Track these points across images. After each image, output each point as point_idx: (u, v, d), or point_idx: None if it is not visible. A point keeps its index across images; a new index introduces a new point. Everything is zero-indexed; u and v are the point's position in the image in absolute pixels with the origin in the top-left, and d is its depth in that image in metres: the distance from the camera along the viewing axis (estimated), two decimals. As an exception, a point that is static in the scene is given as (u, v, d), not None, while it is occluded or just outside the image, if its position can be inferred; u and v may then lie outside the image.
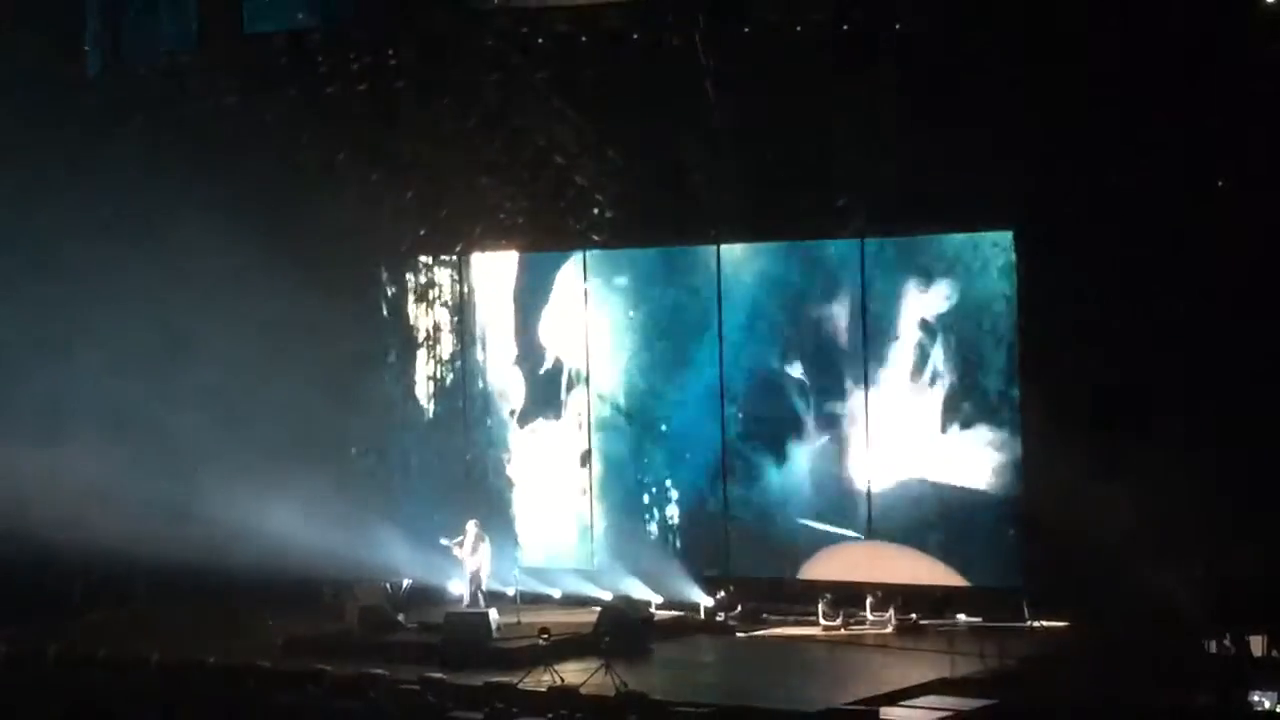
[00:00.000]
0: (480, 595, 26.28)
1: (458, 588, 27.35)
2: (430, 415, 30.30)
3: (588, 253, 28.56)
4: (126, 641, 25.28)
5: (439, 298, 30.18)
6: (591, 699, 21.40)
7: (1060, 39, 23.60)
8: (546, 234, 28.97)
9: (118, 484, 26.66)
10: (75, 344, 27.78)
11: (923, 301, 25.83)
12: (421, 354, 30.36)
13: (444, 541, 26.79)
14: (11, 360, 27.07)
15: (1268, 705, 20.78)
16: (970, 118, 24.12)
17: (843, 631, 26.05)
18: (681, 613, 27.18)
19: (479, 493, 29.28)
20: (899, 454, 26.02)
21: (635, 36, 26.55)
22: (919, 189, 25.02)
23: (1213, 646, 22.58)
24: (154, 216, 27.88)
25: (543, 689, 21.91)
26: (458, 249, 29.90)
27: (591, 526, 28.56)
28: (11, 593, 26.78)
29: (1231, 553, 22.70)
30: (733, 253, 27.34)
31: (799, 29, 25.54)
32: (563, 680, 22.36)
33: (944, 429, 25.67)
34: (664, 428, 28.04)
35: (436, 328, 30.24)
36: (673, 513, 27.91)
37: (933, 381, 25.76)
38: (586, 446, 28.59)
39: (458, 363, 30.05)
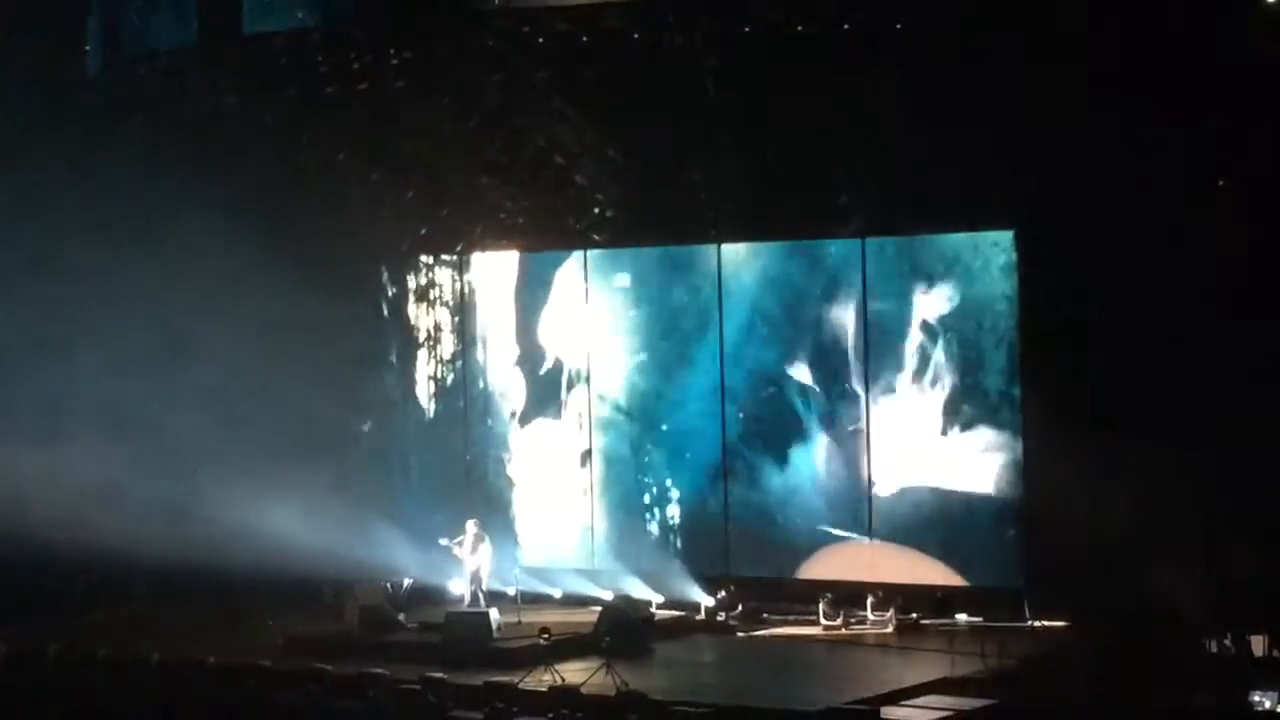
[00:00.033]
0: (480, 595, 26.27)
1: (458, 587, 27.35)
2: (431, 415, 30.32)
3: (588, 252, 28.57)
4: (126, 641, 25.28)
5: (439, 297, 30.19)
6: (592, 699, 21.39)
7: (1060, 39, 23.59)
8: (547, 233, 28.97)
9: (118, 484, 26.68)
10: (75, 344, 27.75)
11: (923, 301, 25.83)
12: (422, 354, 30.37)
13: (444, 541, 26.78)
14: (11, 360, 27.06)
15: (1268, 705, 20.78)
16: (970, 118, 24.11)
17: (843, 631, 26.07)
18: (682, 612, 27.19)
19: (479, 493, 29.29)
20: (899, 454, 26.02)
21: (635, 36, 26.53)
22: (919, 189, 25.03)
23: (1213, 646, 22.59)
24: (154, 216, 27.86)
25: (543, 689, 21.91)
26: (458, 249, 29.91)
27: (592, 526, 28.57)
28: (11, 593, 26.77)
29: (1231, 553, 22.71)
30: (733, 252, 27.35)
31: (799, 29, 25.54)
32: (563, 680, 22.36)
33: (944, 429, 25.67)
34: (664, 427, 28.05)
35: (437, 327, 30.25)
36: (673, 512, 27.92)
37: (933, 382, 25.76)
38: (587, 446, 28.60)
39: (458, 362, 30.06)
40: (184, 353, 27.64)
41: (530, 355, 29.18)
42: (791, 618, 26.77)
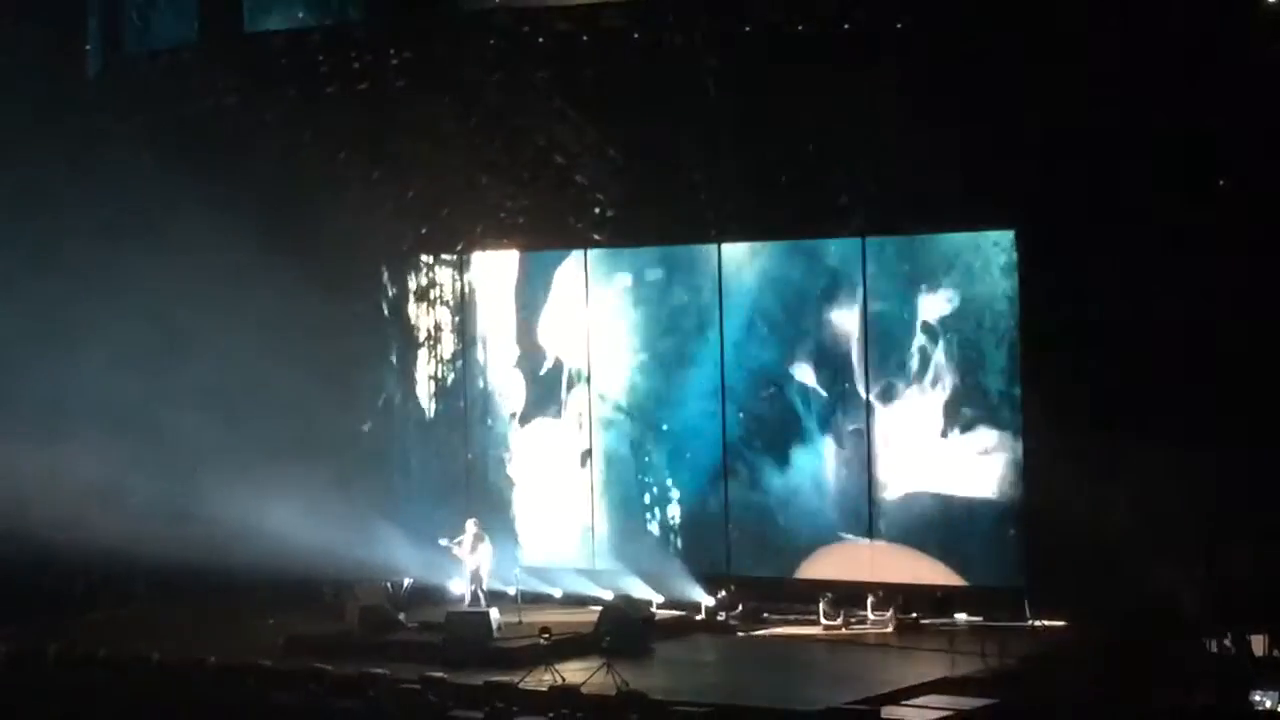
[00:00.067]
0: (481, 595, 26.27)
1: (458, 587, 27.35)
2: (431, 415, 30.30)
3: (588, 252, 28.57)
4: (126, 641, 25.27)
5: (439, 297, 30.18)
6: (592, 698, 21.40)
7: (1060, 39, 23.58)
8: (547, 233, 28.96)
9: (118, 483, 26.69)
10: (76, 343, 27.75)
11: (923, 301, 25.82)
12: (422, 354, 30.35)
13: (444, 541, 26.77)
14: (12, 359, 27.05)
15: (1268, 705, 20.78)
16: (970, 117, 24.11)
17: (843, 631, 26.06)
18: (682, 612, 27.18)
19: (479, 492, 29.27)
20: (900, 453, 26.01)
21: (635, 36, 26.53)
22: (919, 189, 25.01)
23: (1213, 646, 22.58)
24: (154, 215, 27.85)
25: (543, 688, 21.93)
26: (458, 248, 29.90)
27: (592, 526, 28.55)
28: (11, 593, 26.79)
29: (1231, 553, 22.71)
30: (734, 252, 27.34)
31: (799, 29, 25.53)
32: (563, 680, 22.37)
33: (944, 429, 25.66)
34: (665, 427, 28.03)
35: (437, 327, 30.23)
36: (673, 512, 27.91)
37: (934, 382, 25.76)
38: (587, 446, 28.59)
39: (458, 362, 30.05)
40: (184, 352, 27.64)
41: (530, 355, 29.16)
42: (792, 618, 26.75)
